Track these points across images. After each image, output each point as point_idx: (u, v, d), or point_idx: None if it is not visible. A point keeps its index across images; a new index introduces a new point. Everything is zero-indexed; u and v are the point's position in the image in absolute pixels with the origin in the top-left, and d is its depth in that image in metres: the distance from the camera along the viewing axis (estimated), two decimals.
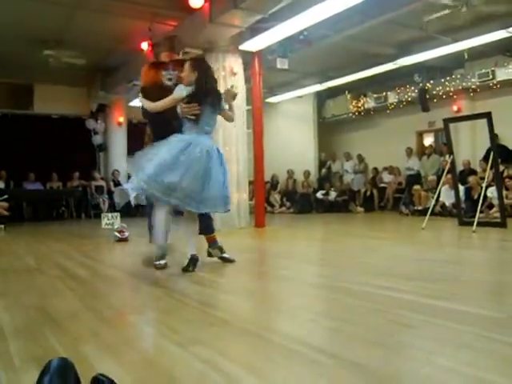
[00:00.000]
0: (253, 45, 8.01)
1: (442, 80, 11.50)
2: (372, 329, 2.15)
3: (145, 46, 8.81)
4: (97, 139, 12.73)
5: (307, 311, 2.56)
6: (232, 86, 4.12)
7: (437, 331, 2.09)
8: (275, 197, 13.58)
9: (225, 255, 4.21)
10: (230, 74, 7.87)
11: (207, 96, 3.70)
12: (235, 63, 7.98)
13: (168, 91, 3.74)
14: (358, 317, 2.37)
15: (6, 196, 10.11)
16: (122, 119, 12.89)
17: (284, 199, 13.48)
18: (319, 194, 13.03)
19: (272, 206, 13.26)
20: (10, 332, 2.21)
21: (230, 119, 4.06)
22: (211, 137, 3.82)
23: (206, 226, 4.20)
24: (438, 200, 9.16)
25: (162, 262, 3.95)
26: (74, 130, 12.55)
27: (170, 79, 4.01)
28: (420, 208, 10.08)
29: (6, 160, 11.25)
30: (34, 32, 8.80)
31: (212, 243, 4.24)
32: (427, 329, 2.14)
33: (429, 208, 7.80)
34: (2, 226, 9.05)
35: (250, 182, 9.06)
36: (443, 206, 9.59)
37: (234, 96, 3.96)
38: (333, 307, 2.68)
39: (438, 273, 3.60)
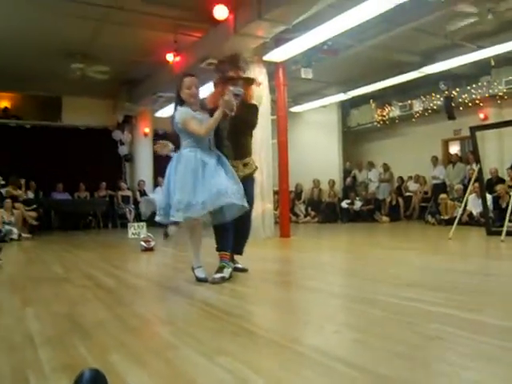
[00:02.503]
0: (277, 55, 8.06)
1: (468, 87, 11.37)
2: (399, 341, 2.12)
3: (170, 57, 8.94)
4: (123, 150, 12.94)
5: (333, 322, 2.54)
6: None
7: (465, 344, 2.05)
8: (300, 207, 13.55)
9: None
10: (254, 84, 7.90)
11: None
12: (259, 74, 8.02)
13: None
14: (384, 329, 2.35)
15: (34, 206, 10.37)
16: (147, 130, 13.07)
17: (309, 209, 13.45)
18: (344, 204, 12.95)
19: (297, 215, 13.23)
20: (41, 340, 2.25)
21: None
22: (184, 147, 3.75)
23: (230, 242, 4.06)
24: (465, 209, 9.02)
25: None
26: (101, 141, 12.78)
27: (236, 95, 3.70)
28: (446, 217, 9.93)
29: (35, 171, 11.54)
30: (61, 46, 9.03)
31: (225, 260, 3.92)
32: (455, 341, 2.10)
33: (455, 217, 7.68)
34: (30, 235, 9.25)
35: (275, 192, 9.06)
36: (470, 215, 9.44)
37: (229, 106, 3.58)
38: (359, 319, 2.66)
39: (466, 284, 3.54)
